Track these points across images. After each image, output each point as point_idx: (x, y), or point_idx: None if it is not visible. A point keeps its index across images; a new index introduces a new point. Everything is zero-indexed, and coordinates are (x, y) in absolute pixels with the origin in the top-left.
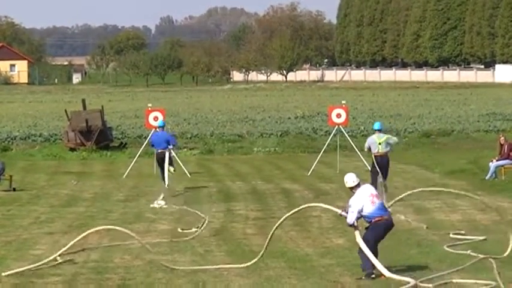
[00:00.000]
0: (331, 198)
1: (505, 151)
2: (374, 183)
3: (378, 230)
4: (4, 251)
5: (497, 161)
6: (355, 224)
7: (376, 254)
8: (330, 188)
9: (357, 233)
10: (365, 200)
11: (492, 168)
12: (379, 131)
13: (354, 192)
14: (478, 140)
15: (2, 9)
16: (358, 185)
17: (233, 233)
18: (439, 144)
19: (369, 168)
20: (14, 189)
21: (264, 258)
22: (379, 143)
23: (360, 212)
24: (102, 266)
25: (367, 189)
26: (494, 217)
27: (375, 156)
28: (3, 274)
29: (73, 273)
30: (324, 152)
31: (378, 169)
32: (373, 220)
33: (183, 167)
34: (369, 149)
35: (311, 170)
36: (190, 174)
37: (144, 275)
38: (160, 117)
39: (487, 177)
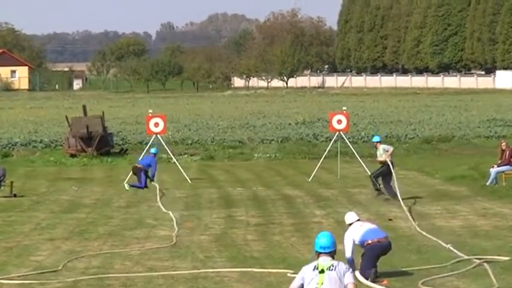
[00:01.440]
0: (331, 204)
1: (506, 157)
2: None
3: (370, 253)
4: (5, 257)
5: (498, 166)
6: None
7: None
8: (330, 194)
9: (356, 272)
10: (356, 229)
11: (493, 174)
12: (380, 142)
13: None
14: (479, 146)
15: (3, 16)
16: (357, 221)
17: (234, 239)
18: (440, 150)
19: (369, 173)
20: (15, 195)
21: (265, 264)
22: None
23: (354, 243)
24: (103, 272)
25: (359, 222)
26: (495, 223)
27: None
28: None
29: (74, 279)
30: (324, 158)
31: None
32: (365, 244)
33: (183, 173)
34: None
35: (312, 176)
36: (191, 180)
37: (145, 281)
38: (161, 123)
39: (487, 183)
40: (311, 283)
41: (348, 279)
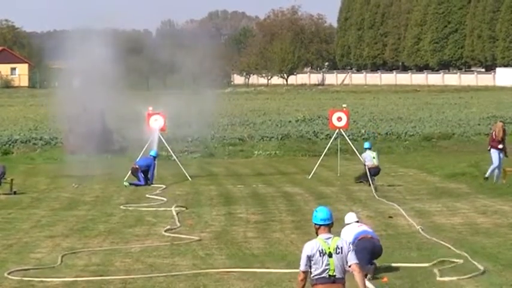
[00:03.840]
0: (331, 201)
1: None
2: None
3: (363, 247)
4: (5, 254)
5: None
6: None
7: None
8: (330, 192)
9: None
10: (352, 229)
11: (497, 172)
12: (369, 148)
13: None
14: (479, 143)
15: (3, 13)
16: (356, 222)
17: (234, 236)
18: (440, 148)
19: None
20: (15, 193)
21: (265, 262)
22: (373, 157)
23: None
24: (103, 269)
25: (357, 223)
26: (495, 220)
27: (369, 168)
28: None
29: (74, 276)
30: (324, 155)
31: (370, 177)
32: (357, 239)
33: (183, 170)
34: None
35: (312, 173)
36: (191, 178)
37: (144, 279)
38: (161, 121)
39: (496, 180)
40: (324, 271)
41: (352, 259)
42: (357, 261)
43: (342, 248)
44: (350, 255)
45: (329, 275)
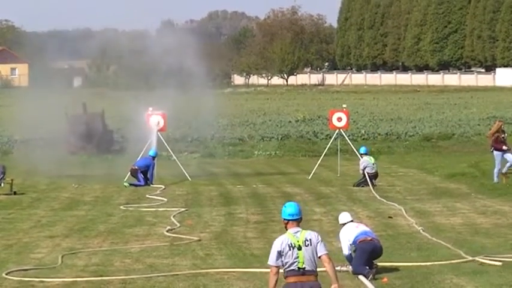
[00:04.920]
0: (331, 201)
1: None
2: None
3: (363, 250)
4: (5, 255)
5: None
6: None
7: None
8: (330, 192)
9: (349, 267)
10: (351, 229)
11: (496, 173)
12: (366, 154)
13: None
14: (479, 144)
15: (3, 13)
16: (351, 221)
17: (234, 236)
18: (440, 148)
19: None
20: (15, 193)
21: (265, 262)
22: (373, 164)
23: (349, 241)
24: (103, 269)
25: (354, 223)
26: (495, 220)
27: (369, 175)
28: None
29: (74, 276)
30: (324, 155)
31: (370, 182)
32: (357, 241)
33: (183, 170)
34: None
35: (312, 173)
36: (191, 178)
37: (144, 279)
38: (161, 122)
39: (496, 181)
40: (293, 263)
41: (321, 250)
42: (327, 252)
43: (310, 240)
44: (319, 247)
45: (298, 268)
